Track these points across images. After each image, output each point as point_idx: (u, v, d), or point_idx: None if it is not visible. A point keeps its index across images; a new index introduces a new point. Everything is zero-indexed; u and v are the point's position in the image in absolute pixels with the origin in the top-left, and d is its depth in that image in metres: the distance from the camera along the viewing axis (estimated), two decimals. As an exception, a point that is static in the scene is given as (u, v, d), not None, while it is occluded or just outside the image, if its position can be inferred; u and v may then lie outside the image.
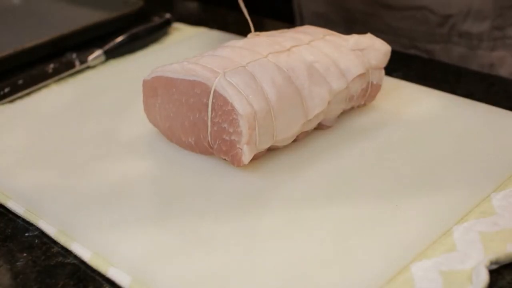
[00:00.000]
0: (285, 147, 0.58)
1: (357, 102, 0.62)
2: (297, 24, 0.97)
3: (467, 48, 0.81)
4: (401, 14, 0.83)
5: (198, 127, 0.55)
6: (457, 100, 0.65)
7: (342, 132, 0.61)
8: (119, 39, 0.80)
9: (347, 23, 0.88)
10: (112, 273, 0.46)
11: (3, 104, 0.70)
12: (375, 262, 0.45)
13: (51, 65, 0.75)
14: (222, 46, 0.59)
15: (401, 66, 0.73)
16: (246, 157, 0.52)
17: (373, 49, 0.61)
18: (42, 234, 0.51)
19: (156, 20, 0.86)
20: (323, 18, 0.90)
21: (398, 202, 0.51)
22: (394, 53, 0.64)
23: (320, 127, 0.60)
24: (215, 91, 0.53)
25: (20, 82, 0.72)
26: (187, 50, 0.67)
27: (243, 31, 0.67)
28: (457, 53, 0.82)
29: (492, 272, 0.44)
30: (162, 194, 0.53)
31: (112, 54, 0.79)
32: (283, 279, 0.44)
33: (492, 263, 0.44)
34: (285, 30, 0.64)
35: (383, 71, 0.63)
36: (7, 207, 0.54)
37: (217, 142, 0.54)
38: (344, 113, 0.62)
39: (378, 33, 0.82)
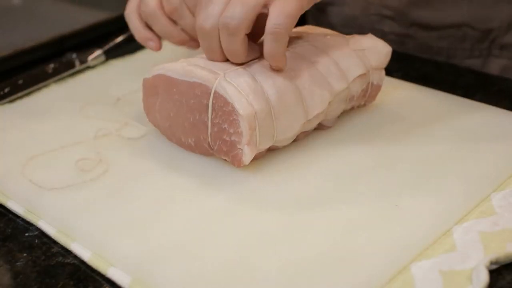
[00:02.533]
0: (285, 147, 0.58)
1: (358, 102, 0.62)
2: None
3: (509, 60, 0.79)
4: (440, 33, 0.81)
5: (198, 128, 0.55)
6: (457, 100, 0.65)
7: (342, 133, 0.61)
8: (119, 39, 0.80)
9: None
10: (112, 273, 0.46)
11: (3, 104, 0.70)
12: (375, 262, 0.45)
13: (51, 65, 0.75)
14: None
15: (401, 66, 0.73)
16: (247, 158, 0.52)
17: (374, 49, 0.61)
18: (42, 234, 0.51)
19: (156, 20, 0.86)
20: None
21: (398, 202, 0.51)
22: (394, 53, 0.64)
23: (320, 127, 0.60)
24: (215, 91, 0.53)
25: (20, 82, 0.72)
26: (187, 50, 0.67)
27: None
28: (498, 66, 0.80)
29: (492, 272, 0.44)
30: (162, 194, 0.53)
31: (112, 54, 0.79)
32: (283, 279, 0.44)
33: (492, 263, 0.44)
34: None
35: (383, 72, 0.63)
36: (7, 207, 0.54)
37: (218, 143, 0.54)
38: (344, 114, 0.62)
39: (413, 52, 0.81)
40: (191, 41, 0.64)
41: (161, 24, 0.63)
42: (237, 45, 0.52)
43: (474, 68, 0.79)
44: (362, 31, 0.87)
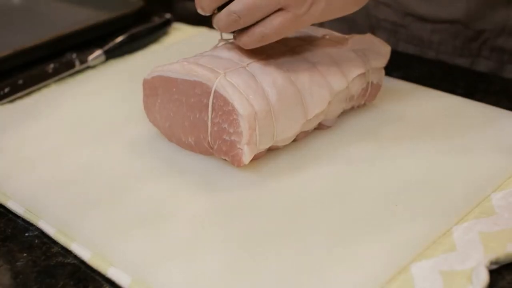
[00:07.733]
0: (285, 147, 0.58)
1: (357, 102, 0.62)
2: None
3: (497, 63, 0.79)
4: (433, 27, 0.81)
5: (198, 127, 0.55)
6: (457, 100, 0.65)
7: (342, 132, 0.61)
8: (119, 39, 0.80)
9: (371, 30, 0.86)
10: (112, 273, 0.46)
11: (3, 104, 0.70)
12: (375, 262, 0.45)
13: (51, 65, 0.75)
14: (222, 46, 0.59)
15: (401, 66, 0.73)
16: (247, 158, 0.52)
17: (373, 49, 0.61)
18: (42, 234, 0.51)
19: (156, 20, 0.86)
20: (347, 23, 0.88)
21: (398, 202, 0.51)
22: (394, 53, 0.64)
23: (320, 127, 0.60)
24: (215, 91, 0.53)
25: (20, 82, 0.72)
26: (187, 50, 0.67)
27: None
28: (486, 67, 0.80)
29: (492, 272, 0.44)
30: (162, 194, 0.53)
31: (112, 54, 0.79)
32: (282, 279, 0.44)
33: (492, 263, 0.44)
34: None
35: (383, 71, 0.63)
36: (7, 207, 0.54)
37: (217, 142, 0.54)
38: (344, 113, 0.62)
39: (404, 43, 0.80)
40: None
41: None
42: None
43: (462, 66, 0.80)
44: (355, 15, 0.86)
